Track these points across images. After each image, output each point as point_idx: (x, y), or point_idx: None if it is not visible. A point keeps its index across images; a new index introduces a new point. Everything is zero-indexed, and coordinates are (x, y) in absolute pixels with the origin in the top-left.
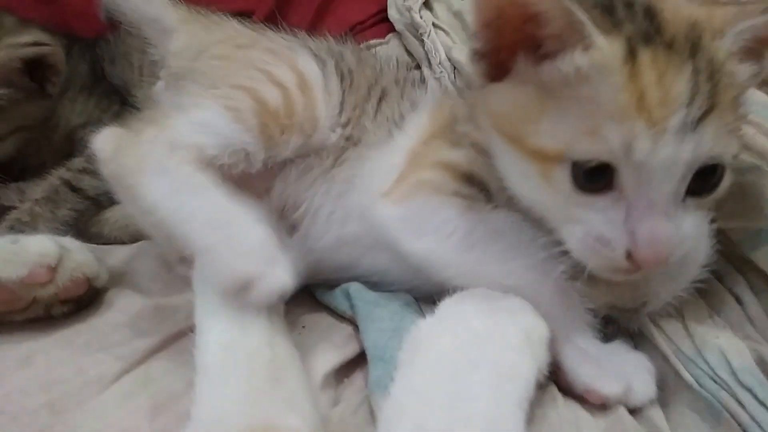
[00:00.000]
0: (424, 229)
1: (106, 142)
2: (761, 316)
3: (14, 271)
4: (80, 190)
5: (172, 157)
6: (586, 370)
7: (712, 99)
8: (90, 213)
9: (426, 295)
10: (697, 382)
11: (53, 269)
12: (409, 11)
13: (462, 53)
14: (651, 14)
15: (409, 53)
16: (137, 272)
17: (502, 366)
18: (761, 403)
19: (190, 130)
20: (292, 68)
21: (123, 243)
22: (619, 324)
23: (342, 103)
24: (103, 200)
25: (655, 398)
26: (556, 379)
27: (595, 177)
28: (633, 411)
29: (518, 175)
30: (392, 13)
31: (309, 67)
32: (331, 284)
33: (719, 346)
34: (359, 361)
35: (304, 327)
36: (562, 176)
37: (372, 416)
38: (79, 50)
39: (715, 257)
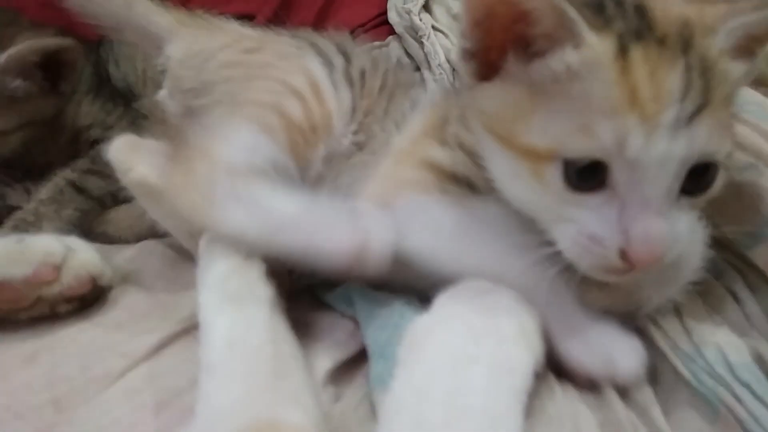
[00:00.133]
0: (410, 228)
1: (119, 151)
2: (758, 313)
3: (19, 270)
4: (85, 190)
5: (236, 181)
6: (572, 345)
7: (705, 95)
8: (95, 213)
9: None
10: (694, 378)
11: (58, 268)
12: (408, 14)
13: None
14: (641, 12)
15: (409, 56)
16: (141, 271)
17: (499, 360)
18: (758, 399)
19: (238, 153)
20: (306, 75)
21: (127, 242)
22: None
23: (353, 109)
24: (108, 200)
25: (643, 378)
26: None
27: (587, 175)
28: (630, 405)
29: (509, 175)
30: (392, 16)
31: (319, 72)
32: (332, 283)
33: (717, 342)
34: (360, 358)
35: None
36: (554, 175)
37: (373, 412)
38: (84, 52)
39: (713, 255)
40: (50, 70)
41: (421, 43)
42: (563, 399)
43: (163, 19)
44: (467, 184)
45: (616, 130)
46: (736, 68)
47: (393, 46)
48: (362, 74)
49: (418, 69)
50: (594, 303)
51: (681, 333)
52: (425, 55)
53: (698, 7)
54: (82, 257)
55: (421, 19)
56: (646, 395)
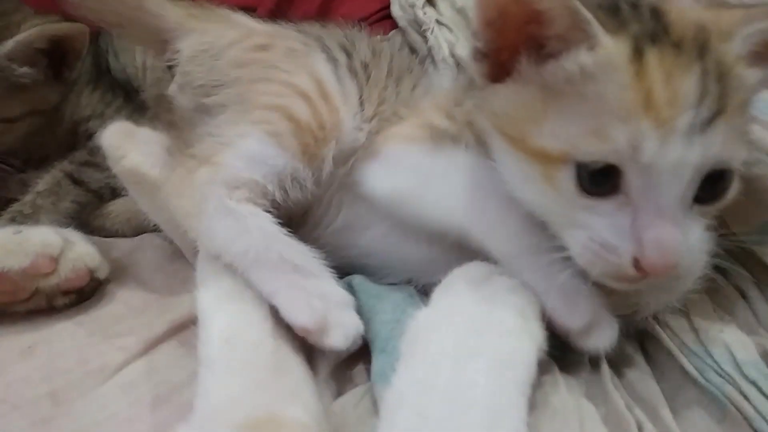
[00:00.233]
0: (393, 171)
1: (113, 137)
2: (766, 310)
3: (17, 262)
4: (83, 183)
5: (232, 196)
6: (556, 304)
7: (721, 102)
8: (92, 206)
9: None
10: (702, 376)
11: (55, 260)
12: (412, 8)
13: (465, 50)
14: (657, 15)
15: (413, 50)
16: (139, 264)
17: (502, 352)
18: (766, 397)
19: (242, 165)
20: (311, 74)
21: (125, 236)
22: None
23: (361, 99)
24: (106, 193)
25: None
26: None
27: (600, 180)
28: (638, 403)
29: (519, 178)
30: (395, 10)
31: (323, 69)
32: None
33: (724, 340)
34: (362, 353)
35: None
36: (566, 178)
37: (374, 408)
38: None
39: (721, 253)
40: (55, 57)
41: (425, 38)
42: (567, 393)
43: (174, 13)
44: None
45: (630, 134)
46: (752, 75)
47: (396, 41)
48: (365, 66)
49: (421, 63)
50: None
51: (688, 331)
52: (429, 49)
53: (714, 11)
54: (80, 250)
55: (424, 13)
56: (654, 393)
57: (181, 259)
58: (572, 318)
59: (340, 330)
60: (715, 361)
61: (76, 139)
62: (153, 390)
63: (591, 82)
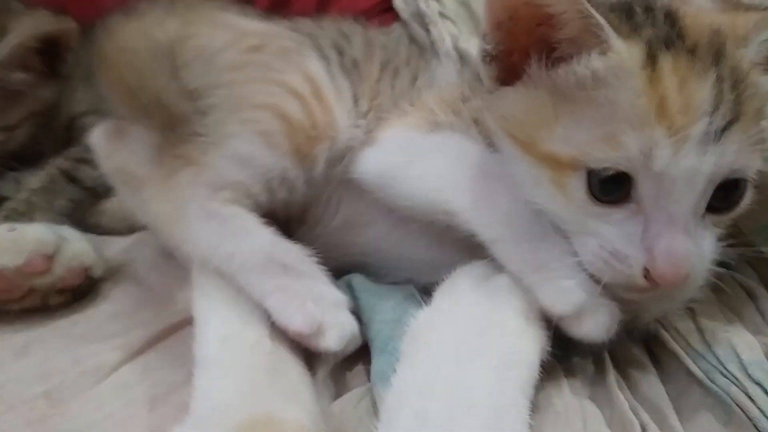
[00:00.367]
0: (385, 151)
1: (101, 136)
2: None
3: (11, 260)
4: (78, 180)
5: (215, 198)
6: (541, 288)
7: (736, 109)
8: (87, 203)
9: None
10: (707, 378)
11: (50, 258)
12: (415, 0)
13: (469, 43)
14: (672, 19)
15: (415, 43)
16: (135, 263)
17: (503, 352)
18: None
19: (228, 166)
20: (303, 73)
21: (121, 234)
22: None
23: (355, 96)
24: (101, 190)
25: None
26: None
27: (611, 187)
28: (643, 404)
29: (530, 181)
30: (398, 2)
31: (316, 68)
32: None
33: (729, 340)
34: (361, 353)
35: None
36: (577, 185)
37: (374, 408)
38: (78, 37)
39: (728, 251)
40: (48, 53)
41: (428, 31)
42: (571, 394)
43: (173, 28)
44: None
45: (643, 141)
46: (767, 82)
47: (398, 33)
48: (356, 62)
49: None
50: None
51: (693, 332)
52: (432, 42)
53: (730, 15)
54: (75, 248)
55: (427, 6)
56: (660, 394)
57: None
58: (559, 302)
59: (336, 331)
60: (720, 362)
61: (71, 135)
62: (149, 390)
63: (603, 87)
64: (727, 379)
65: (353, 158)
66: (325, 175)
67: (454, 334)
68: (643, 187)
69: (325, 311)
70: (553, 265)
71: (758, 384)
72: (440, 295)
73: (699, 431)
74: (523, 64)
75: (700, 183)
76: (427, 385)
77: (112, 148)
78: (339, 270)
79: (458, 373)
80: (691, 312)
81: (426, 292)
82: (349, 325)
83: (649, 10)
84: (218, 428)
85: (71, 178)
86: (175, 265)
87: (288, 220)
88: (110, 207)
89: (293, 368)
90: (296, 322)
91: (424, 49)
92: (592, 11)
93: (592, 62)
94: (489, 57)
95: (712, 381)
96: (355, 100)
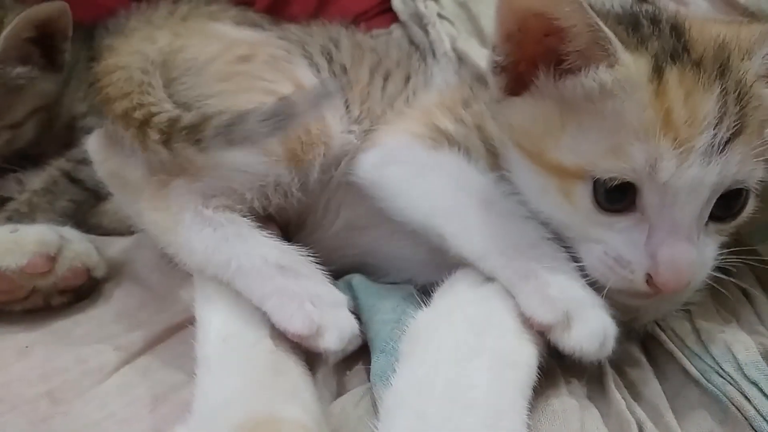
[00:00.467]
0: (388, 161)
1: (97, 141)
2: None
3: (14, 260)
4: (79, 181)
5: (209, 205)
6: (525, 300)
7: (740, 121)
8: (89, 204)
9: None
10: (703, 377)
11: (53, 259)
12: (414, 1)
13: (467, 44)
14: (678, 32)
15: (414, 44)
16: (136, 263)
17: (502, 353)
18: (767, 397)
19: (221, 173)
20: (293, 81)
21: (122, 234)
22: None
23: (346, 102)
24: (102, 191)
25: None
26: None
27: (617, 196)
28: (640, 403)
29: (536, 191)
30: (396, 4)
31: (306, 76)
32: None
33: (725, 340)
34: (361, 353)
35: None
36: (583, 194)
37: (374, 408)
38: (80, 37)
39: (728, 259)
40: (45, 44)
41: (426, 31)
42: (568, 394)
43: (165, 42)
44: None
45: (648, 153)
46: None
47: (396, 34)
48: (344, 69)
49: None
50: None
51: (689, 332)
52: (430, 43)
53: (735, 26)
54: (77, 248)
55: (426, 7)
56: (657, 394)
57: None
58: (542, 311)
59: (335, 331)
60: (717, 362)
61: (72, 136)
62: (151, 390)
63: (610, 99)
64: (723, 378)
65: (351, 161)
66: (321, 180)
67: (453, 334)
68: (648, 197)
69: (324, 312)
70: (542, 274)
71: (754, 383)
72: (440, 296)
73: (695, 430)
74: (531, 75)
75: (703, 193)
76: (426, 385)
77: (107, 153)
78: (339, 270)
79: (457, 374)
80: (687, 313)
81: (425, 292)
82: (349, 324)
83: (655, 22)
84: (220, 428)
85: (72, 179)
86: (176, 265)
87: (287, 224)
88: (111, 208)
89: (294, 368)
90: (295, 324)
91: (422, 50)
92: (601, 25)
93: (600, 75)
94: (498, 68)
95: (708, 381)
96: (347, 106)
